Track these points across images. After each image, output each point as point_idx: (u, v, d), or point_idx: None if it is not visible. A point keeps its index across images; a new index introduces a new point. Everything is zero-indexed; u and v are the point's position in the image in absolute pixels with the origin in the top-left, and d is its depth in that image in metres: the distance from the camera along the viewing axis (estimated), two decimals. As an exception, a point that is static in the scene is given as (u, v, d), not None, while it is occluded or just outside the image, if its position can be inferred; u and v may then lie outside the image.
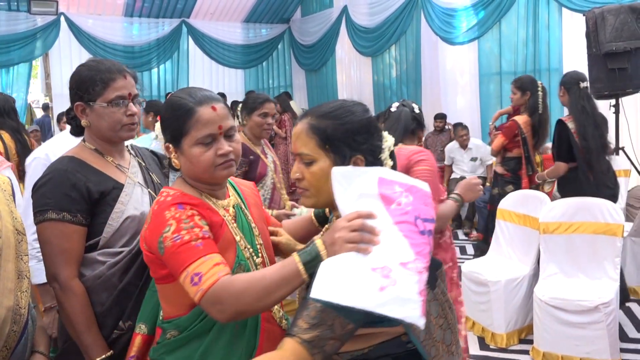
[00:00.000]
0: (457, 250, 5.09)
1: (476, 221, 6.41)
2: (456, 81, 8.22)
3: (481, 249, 4.97)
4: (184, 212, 1.30)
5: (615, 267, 3.35)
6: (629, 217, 4.58)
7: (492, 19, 7.43)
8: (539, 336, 3.32)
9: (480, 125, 7.59)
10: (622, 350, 3.30)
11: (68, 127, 1.88)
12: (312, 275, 1.14)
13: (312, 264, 1.16)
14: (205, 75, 11.12)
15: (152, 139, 2.33)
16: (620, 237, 3.34)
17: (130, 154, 1.84)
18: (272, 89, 11.88)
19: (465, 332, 2.70)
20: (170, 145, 1.41)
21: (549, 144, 4.91)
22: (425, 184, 1.27)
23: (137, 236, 1.65)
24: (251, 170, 3.18)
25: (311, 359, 1.12)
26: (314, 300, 1.13)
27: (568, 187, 3.90)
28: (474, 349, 3.55)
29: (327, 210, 1.60)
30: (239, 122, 3.38)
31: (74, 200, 1.60)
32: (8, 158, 3.60)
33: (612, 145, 4.82)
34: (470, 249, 5.92)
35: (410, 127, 2.51)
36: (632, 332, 3.65)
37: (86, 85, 1.65)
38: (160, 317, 1.43)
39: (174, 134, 1.39)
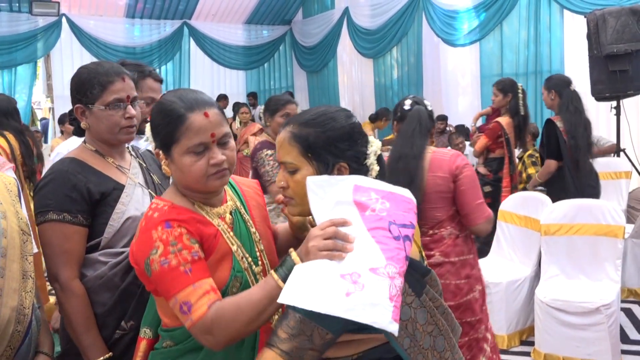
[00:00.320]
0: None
1: None
2: (457, 83, 8.23)
3: (482, 250, 4.98)
4: (172, 233, 1.24)
5: (617, 268, 3.35)
6: (629, 219, 4.58)
7: (493, 21, 7.44)
8: (540, 338, 3.32)
9: (481, 127, 7.60)
10: (623, 352, 3.30)
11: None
12: None
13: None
14: (206, 76, 11.14)
15: (143, 141, 2.33)
16: (621, 239, 3.35)
17: (131, 155, 1.84)
18: (273, 90, 11.89)
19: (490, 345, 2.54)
20: (160, 152, 1.34)
21: None
22: (406, 190, 1.26)
23: None
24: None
25: None
26: (290, 309, 1.14)
27: (555, 185, 3.99)
28: (475, 351, 3.54)
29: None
30: (263, 124, 3.48)
31: (75, 201, 1.60)
32: (14, 159, 3.63)
33: (599, 146, 4.87)
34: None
35: (429, 127, 2.44)
36: (633, 333, 3.65)
37: (85, 88, 1.66)
38: (161, 324, 1.41)
39: (164, 141, 1.31)
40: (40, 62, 9.88)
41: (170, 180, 1.95)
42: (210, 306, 1.18)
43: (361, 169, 1.31)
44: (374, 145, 1.34)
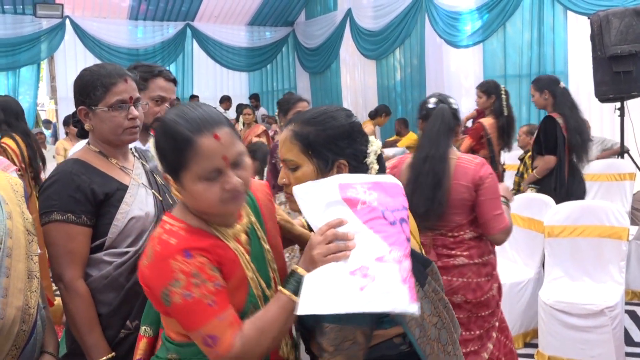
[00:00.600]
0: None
1: None
2: (461, 84, 8.22)
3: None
4: (193, 263, 1.17)
5: (621, 270, 3.34)
6: (634, 221, 4.57)
7: (496, 22, 7.43)
8: (544, 340, 3.31)
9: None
10: (627, 354, 3.29)
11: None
12: None
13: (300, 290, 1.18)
14: (209, 78, 11.17)
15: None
16: (625, 241, 3.33)
17: (134, 156, 1.86)
18: (276, 91, 11.91)
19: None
20: (169, 177, 1.23)
21: None
22: (389, 176, 1.30)
23: (142, 236, 1.67)
24: None
25: None
26: (321, 324, 1.17)
27: (547, 180, 4.04)
28: (479, 353, 3.53)
29: None
30: (279, 125, 3.59)
31: (79, 201, 1.62)
32: (24, 160, 3.70)
33: (606, 148, 4.87)
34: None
35: (452, 126, 2.42)
36: (637, 336, 3.63)
37: (88, 90, 1.67)
38: (165, 333, 1.36)
39: (171, 167, 1.21)
40: (44, 64, 9.93)
41: None
42: (235, 337, 1.17)
43: (360, 167, 1.33)
44: (374, 145, 1.37)
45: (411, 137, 7.62)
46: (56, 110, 9.81)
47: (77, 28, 9.53)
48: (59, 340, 1.59)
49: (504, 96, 4.61)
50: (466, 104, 8.13)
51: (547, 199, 3.83)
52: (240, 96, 11.03)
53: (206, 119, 1.19)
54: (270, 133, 7.67)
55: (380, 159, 1.38)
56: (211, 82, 11.16)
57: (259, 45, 11.64)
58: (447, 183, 2.30)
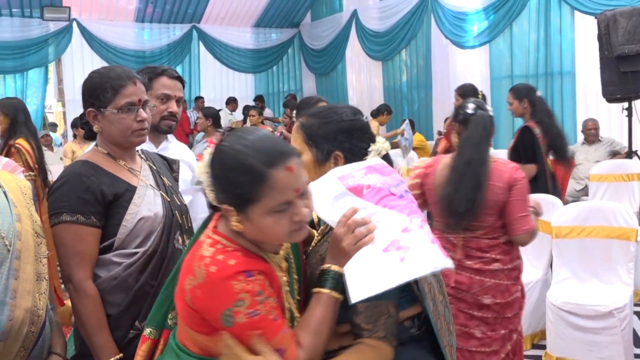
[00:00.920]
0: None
1: None
2: (467, 85, 8.18)
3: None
4: (255, 283, 1.15)
5: (629, 271, 3.32)
6: (642, 222, 4.53)
7: (503, 22, 7.40)
8: (552, 341, 3.29)
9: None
10: (636, 355, 3.27)
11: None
12: (344, 291, 1.22)
13: (340, 285, 1.22)
14: (215, 79, 11.20)
15: (194, 153, 2.50)
16: (633, 242, 3.32)
17: (142, 157, 1.87)
18: (282, 93, 11.93)
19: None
20: (231, 208, 1.17)
21: None
22: (375, 158, 1.38)
23: (151, 236, 1.68)
24: None
25: (390, 348, 1.24)
26: (359, 303, 1.21)
27: (531, 187, 4.02)
28: (486, 354, 3.52)
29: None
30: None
31: (88, 202, 1.63)
32: (34, 162, 3.75)
33: (616, 151, 4.82)
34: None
35: (491, 132, 2.52)
36: (646, 337, 3.61)
37: (97, 92, 1.68)
38: (179, 342, 1.30)
39: (238, 200, 1.15)
40: (52, 67, 9.98)
41: (180, 185, 1.97)
42: (297, 348, 1.19)
43: (356, 161, 1.38)
44: (378, 145, 1.42)
45: (417, 138, 7.61)
46: (64, 113, 9.85)
47: (84, 31, 9.59)
48: (67, 340, 1.60)
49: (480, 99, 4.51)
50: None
51: (555, 200, 3.82)
52: (247, 98, 11.05)
53: (279, 151, 1.15)
54: (277, 134, 7.68)
55: (387, 159, 1.43)
56: (217, 84, 11.18)
57: (265, 47, 11.65)
58: (486, 185, 2.40)
